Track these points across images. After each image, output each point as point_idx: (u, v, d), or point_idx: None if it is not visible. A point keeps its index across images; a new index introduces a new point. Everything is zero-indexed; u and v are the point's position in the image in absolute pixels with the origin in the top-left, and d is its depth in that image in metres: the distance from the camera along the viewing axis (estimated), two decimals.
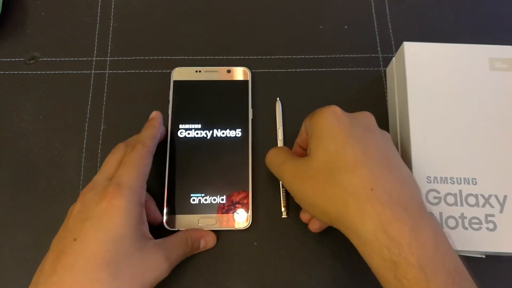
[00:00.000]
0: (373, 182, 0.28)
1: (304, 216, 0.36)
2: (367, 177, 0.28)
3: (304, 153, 0.37)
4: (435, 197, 0.34)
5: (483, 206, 0.34)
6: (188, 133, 0.39)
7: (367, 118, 0.33)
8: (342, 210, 0.29)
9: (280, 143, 0.40)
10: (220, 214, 0.37)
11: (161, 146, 0.39)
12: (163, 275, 0.31)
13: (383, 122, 0.41)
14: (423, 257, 0.26)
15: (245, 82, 0.41)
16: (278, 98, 0.42)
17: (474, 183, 0.34)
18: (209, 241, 0.37)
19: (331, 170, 0.30)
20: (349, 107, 0.42)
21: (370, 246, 0.27)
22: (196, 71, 0.41)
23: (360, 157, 0.29)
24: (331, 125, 0.31)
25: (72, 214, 0.31)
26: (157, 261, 0.31)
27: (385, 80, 0.43)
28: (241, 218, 0.37)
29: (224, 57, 0.44)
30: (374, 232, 0.27)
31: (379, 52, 0.44)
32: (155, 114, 0.38)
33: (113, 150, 0.35)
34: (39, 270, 0.29)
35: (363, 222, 0.27)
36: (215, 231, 0.37)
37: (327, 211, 0.30)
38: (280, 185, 0.39)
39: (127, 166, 0.32)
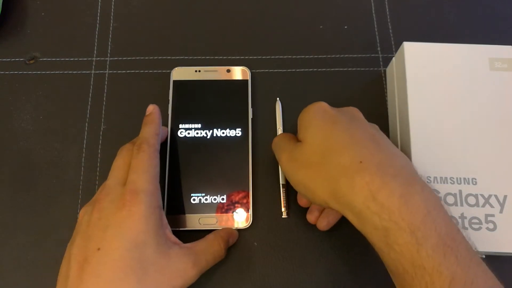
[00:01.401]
0: (362, 157, 0.29)
1: (311, 217, 0.37)
2: (355, 153, 0.29)
3: None
4: None
5: (483, 206, 0.34)
6: (188, 133, 0.39)
7: (354, 110, 0.34)
8: (335, 188, 0.29)
9: None
10: (220, 214, 0.37)
11: (161, 146, 0.39)
12: (190, 281, 0.31)
13: (383, 122, 0.41)
14: (413, 222, 0.26)
15: (244, 82, 0.41)
16: (278, 98, 0.42)
17: (474, 183, 0.34)
18: (235, 237, 0.37)
19: (321, 153, 0.31)
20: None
21: (362, 216, 0.28)
22: (196, 71, 0.42)
23: (347, 140, 0.30)
24: (318, 116, 0.33)
25: (91, 222, 0.30)
26: (183, 266, 0.30)
27: (385, 80, 0.43)
28: (241, 218, 0.37)
29: (224, 57, 0.44)
30: (364, 202, 0.27)
31: (379, 52, 0.44)
32: (152, 108, 0.37)
33: (120, 152, 0.34)
34: (63, 280, 0.29)
35: (354, 193, 0.28)
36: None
37: (320, 192, 0.31)
38: (280, 185, 0.39)
39: (138, 170, 0.32)
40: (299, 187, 0.33)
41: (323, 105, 0.33)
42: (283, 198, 0.38)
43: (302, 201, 0.37)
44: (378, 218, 0.27)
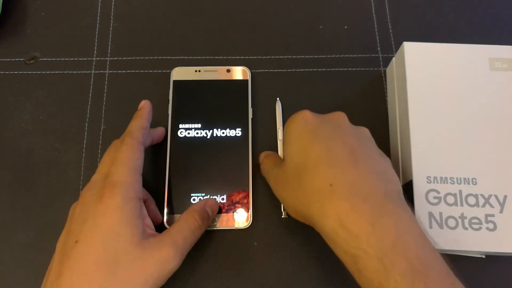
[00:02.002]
0: (333, 178, 0.29)
1: None
2: (327, 174, 0.29)
3: None
4: (435, 197, 0.34)
5: (483, 206, 0.34)
6: (188, 133, 0.39)
7: (339, 117, 0.33)
8: (308, 211, 0.30)
9: (280, 143, 0.40)
10: (220, 214, 0.37)
11: (161, 146, 0.39)
12: (172, 266, 0.30)
13: (383, 122, 0.41)
14: (382, 248, 0.26)
15: (244, 82, 0.41)
16: (278, 98, 0.42)
17: (474, 183, 0.34)
18: (213, 205, 0.36)
19: (298, 172, 0.31)
20: (349, 107, 0.42)
21: (333, 241, 0.28)
22: (196, 71, 0.42)
23: (322, 156, 0.30)
24: (298, 129, 0.32)
25: (73, 216, 0.31)
26: (159, 253, 0.30)
27: (385, 80, 0.43)
28: (241, 218, 0.37)
29: (224, 57, 0.44)
30: (333, 227, 0.28)
31: (379, 52, 0.44)
32: (143, 104, 0.37)
33: (108, 148, 0.35)
34: (47, 273, 0.30)
35: (324, 218, 0.28)
36: (215, 231, 0.37)
37: (299, 212, 0.32)
38: None
39: (118, 163, 0.32)
40: (285, 206, 0.35)
41: (305, 114, 0.33)
42: None
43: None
44: (347, 245, 0.27)
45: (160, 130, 0.39)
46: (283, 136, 0.35)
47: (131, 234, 0.30)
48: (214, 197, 0.38)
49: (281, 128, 0.41)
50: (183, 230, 0.32)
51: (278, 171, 0.35)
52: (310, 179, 0.30)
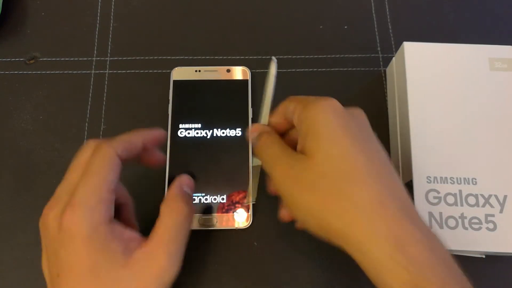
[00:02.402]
0: (382, 195, 0.25)
1: (286, 216, 0.32)
2: (375, 189, 0.25)
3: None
4: (435, 197, 0.34)
5: (483, 206, 0.34)
6: (188, 133, 0.39)
7: (362, 115, 0.30)
8: (348, 228, 0.25)
9: (265, 107, 0.34)
10: (220, 214, 0.37)
11: (161, 146, 0.39)
12: (170, 275, 0.27)
13: (383, 122, 0.41)
14: (443, 275, 0.23)
15: (244, 82, 0.41)
16: (273, 57, 0.36)
17: (474, 183, 0.34)
18: (189, 181, 0.33)
19: (335, 179, 0.26)
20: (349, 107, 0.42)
21: (384, 269, 0.23)
22: (196, 71, 0.42)
23: (366, 165, 0.26)
24: (330, 123, 0.27)
25: (45, 238, 0.28)
26: (153, 267, 0.27)
27: (385, 80, 0.43)
28: (241, 218, 0.37)
29: (224, 57, 0.44)
30: (390, 253, 0.23)
31: (379, 52, 0.44)
32: (156, 129, 0.33)
33: (83, 148, 0.30)
34: None
35: (374, 241, 0.24)
36: (215, 231, 0.37)
37: (327, 225, 0.26)
38: None
39: (85, 176, 0.27)
40: (296, 210, 0.27)
41: (334, 104, 0.28)
42: None
43: (287, 217, 0.32)
44: (407, 273, 0.23)
45: (156, 132, 0.33)
46: (302, 123, 0.28)
47: (112, 260, 0.26)
48: (214, 197, 0.38)
49: (271, 97, 0.35)
50: (170, 229, 0.29)
51: (293, 163, 0.28)
52: (357, 192, 0.25)
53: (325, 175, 0.26)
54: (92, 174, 0.27)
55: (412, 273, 0.23)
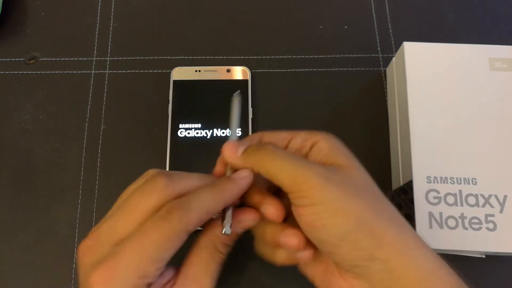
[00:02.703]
0: (405, 224, 0.25)
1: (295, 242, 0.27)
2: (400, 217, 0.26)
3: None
4: (435, 197, 0.34)
5: (483, 206, 0.34)
6: (188, 133, 0.39)
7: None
8: (377, 248, 0.23)
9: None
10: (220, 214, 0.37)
11: (161, 146, 0.39)
12: None
13: (383, 122, 0.41)
14: None
15: (244, 82, 0.41)
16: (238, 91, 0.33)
17: (474, 183, 0.34)
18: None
19: (374, 195, 0.26)
20: (349, 107, 0.42)
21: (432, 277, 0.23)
22: (196, 71, 0.41)
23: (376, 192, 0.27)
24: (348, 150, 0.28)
25: (78, 275, 0.25)
26: None
27: (385, 80, 0.43)
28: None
29: (224, 57, 0.44)
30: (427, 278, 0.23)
31: (379, 52, 0.44)
32: (244, 173, 0.28)
33: (142, 187, 0.25)
34: None
35: (414, 266, 0.24)
36: None
37: (379, 231, 0.24)
38: None
39: (136, 242, 0.23)
40: (340, 220, 0.24)
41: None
42: None
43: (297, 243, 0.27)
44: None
45: (249, 214, 0.29)
46: (333, 148, 0.27)
47: None
48: None
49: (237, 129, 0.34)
50: (210, 268, 0.26)
51: (335, 171, 0.25)
52: (392, 210, 0.25)
53: (365, 186, 0.26)
54: (145, 245, 0.23)
55: None
